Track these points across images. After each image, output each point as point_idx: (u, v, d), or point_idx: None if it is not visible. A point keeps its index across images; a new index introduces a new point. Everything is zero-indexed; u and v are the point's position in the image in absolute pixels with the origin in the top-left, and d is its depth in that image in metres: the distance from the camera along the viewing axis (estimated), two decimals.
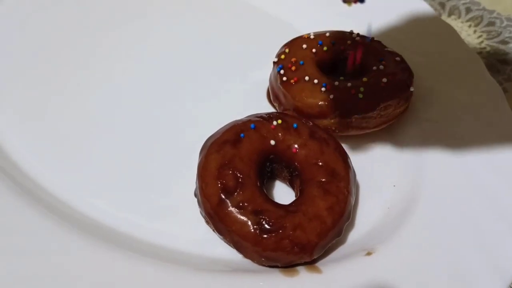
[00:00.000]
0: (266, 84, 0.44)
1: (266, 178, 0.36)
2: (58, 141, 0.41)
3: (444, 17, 0.56)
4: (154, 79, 0.46)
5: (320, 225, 0.33)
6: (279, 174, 0.38)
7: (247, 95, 0.45)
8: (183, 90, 0.45)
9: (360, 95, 0.38)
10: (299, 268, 0.33)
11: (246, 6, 0.53)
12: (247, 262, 0.34)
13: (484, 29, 0.55)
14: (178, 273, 0.32)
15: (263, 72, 0.45)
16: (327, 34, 0.44)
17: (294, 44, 0.43)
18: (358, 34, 0.44)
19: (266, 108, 0.44)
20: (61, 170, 0.39)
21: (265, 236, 0.31)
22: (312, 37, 0.43)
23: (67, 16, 0.50)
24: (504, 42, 0.54)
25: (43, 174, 0.38)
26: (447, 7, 0.57)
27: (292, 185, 0.37)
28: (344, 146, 0.38)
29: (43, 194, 0.37)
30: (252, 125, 0.36)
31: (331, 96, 0.38)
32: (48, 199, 0.36)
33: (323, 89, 0.39)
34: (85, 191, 0.37)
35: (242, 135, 0.35)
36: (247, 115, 0.38)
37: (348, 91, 0.39)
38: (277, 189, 0.38)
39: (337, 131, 0.39)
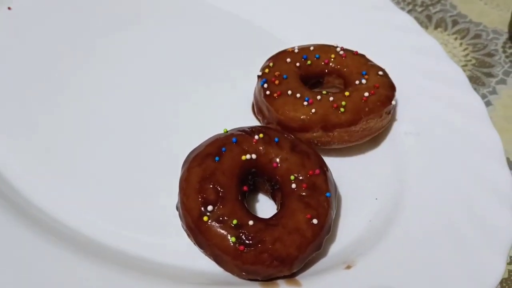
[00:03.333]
0: (251, 97, 0.45)
1: (248, 191, 0.37)
2: (40, 151, 0.41)
3: (430, 29, 0.57)
4: (139, 91, 0.46)
5: (299, 238, 0.33)
6: (261, 187, 0.38)
7: (232, 108, 0.45)
8: (168, 102, 0.46)
9: (342, 109, 0.39)
10: (279, 281, 0.33)
11: (233, 18, 0.53)
12: (228, 275, 0.34)
13: (470, 41, 0.56)
14: (159, 286, 0.32)
15: (249, 85, 0.45)
16: (311, 48, 0.44)
17: (278, 58, 0.43)
18: (342, 48, 0.44)
19: (251, 121, 0.44)
20: (42, 179, 0.39)
21: (245, 249, 0.32)
22: (296, 50, 0.44)
23: (52, 33, 0.51)
24: (489, 54, 0.54)
25: (26, 185, 0.38)
26: (434, 20, 0.58)
27: (274, 198, 0.37)
28: (326, 159, 0.38)
29: (24, 203, 0.37)
30: (234, 139, 0.36)
31: (313, 110, 0.39)
32: (27, 208, 0.37)
33: (305, 103, 0.39)
34: (67, 202, 0.38)
35: (223, 149, 0.36)
36: (231, 128, 0.39)
37: (331, 105, 0.39)
38: (260, 202, 0.39)
39: (319, 144, 0.40)
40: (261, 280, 0.33)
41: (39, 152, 0.41)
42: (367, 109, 0.39)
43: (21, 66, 0.47)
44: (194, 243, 0.34)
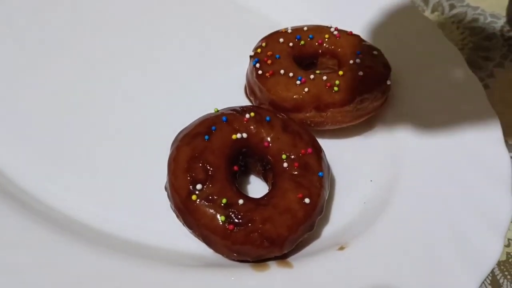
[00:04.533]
0: (244, 79, 0.44)
1: (239, 172, 0.36)
2: (27, 133, 0.40)
3: (427, 13, 0.56)
4: (130, 72, 0.45)
5: (291, 218, 0.32)
6: (253, 168, 0.37)
7: (224, 89, 0.44)
8: (160, 83, 0.45)
9: (336, 88, 0.38)
10: (270, 263, 0.33)
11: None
12: (218, 257, 0.33)
13: (467, 25, 0.55)
14: (148, 268, 0.31)
15: (241, 67, 0.44)
16: (305, 28, 0.43)
17: (271, 38, 0.43)
18: (336, 28, 0.43)
19: (243, 103, 0.43)
20: (29, 161, 0.38)
21: (234, 229, 0.31)
22: (289, 31, 0.43)
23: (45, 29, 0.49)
24: (487, 38, 0.53)
25: (13, 167, 0.37)
26: (431, 4, 0.57)
27: (265, 179, 0.37)
28: (320, 140, 0.37)
29: (13, 187, 0.36)
30: (224, 118, 0.35)
31: (306, 89, 0.38)
32: (16, 192, 0.36)
33: (298, 82, 0.38)
34: (55, 184, 0.37)
35: (213, 128, 0.35)
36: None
37: (324, 84, 0.38)
38: (252, 184, 0.38)
39: (312, 125, 0.39)
40: (252, 262, 0.32)
41: (25, 135, 0.40)
42: (361, 88, 0.38)
43: (10, 56, 0.46)
44: (183, 224, 0.33)
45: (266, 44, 0.42)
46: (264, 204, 0.32)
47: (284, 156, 0.34)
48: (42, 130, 0.40)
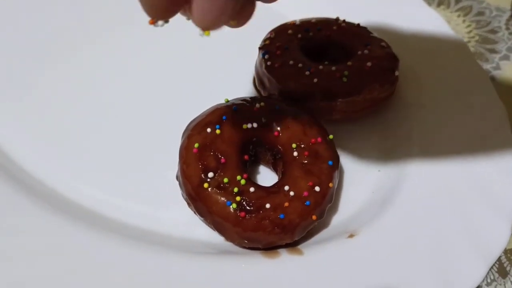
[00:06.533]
0: (253, 71, 0.44)
1: (249, 162, 0.36)
2: (39, 121, 0.41)
3: (433, 7, 0.56)
4: (141, 63, 0.46)
5: (301, 205, 0.32)
6: (263, 157, 0.37)
7: (234, 81, 0.45)
8: (170, 75, 0.45)
9: (345, 79, 0.38)
10: (281, 250, 0.33)
11: None
12: (229, 245, 0.34)
13: (473, 18, 0.55)
14: (159, 255, 0.32)
15: (250, 59, 0.44)
16: (313, 21, 0.43)
17: (279, 30, 0.43)
18: (344, 21, 0.44)
19: (252, 94, 0.43)
20: (42, 151, 0.39)
21: (245, 216, 0.31)
22: (298, 23, 0.43)
23: (53, 16, 0.50)
24: (493, 31, 0.53)
25: (25, 156, 0.38)
26: None
27: (275, 168, 0.37)
28: (329, 130, 0.37)
29: (23, 175, 0.37)
30: (234, 108, 0.36)
31: (315, 80, 0.38)
32: (26, 178, 0.36)
33: (307, 72, 0.39)
34: (67, 173, 0.37)
35: (224, 117, 0.35)
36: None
37: (333, 74, 0.39)
38: (262, 174, 0.38)
39: (321, 115, 0.39)
40: (262, 249, 0.33)
41: (38, 123, 0.41)
42: (369, 79, 0.39)
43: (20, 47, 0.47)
44: (195, 212, 0.33)
45: (274, 36, 0.42)
46: (275, 192, 0.33)
47: (294, 145, 0.35)
48: (56, 123, 0.41)
